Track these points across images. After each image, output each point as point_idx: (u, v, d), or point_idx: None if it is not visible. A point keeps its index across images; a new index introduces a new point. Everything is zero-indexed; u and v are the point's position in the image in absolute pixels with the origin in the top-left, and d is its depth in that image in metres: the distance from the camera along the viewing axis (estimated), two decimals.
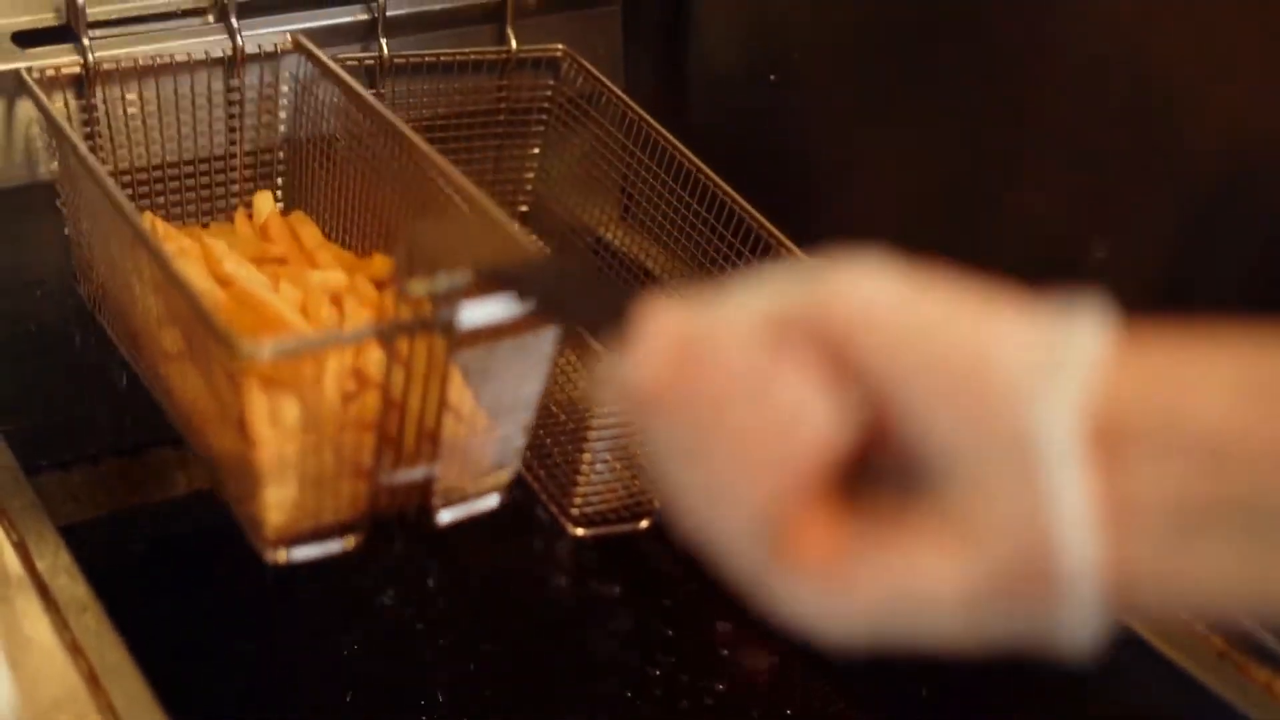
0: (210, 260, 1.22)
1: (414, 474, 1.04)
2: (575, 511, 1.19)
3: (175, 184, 1.36)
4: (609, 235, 1.48)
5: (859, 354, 0.56)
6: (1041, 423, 0.53)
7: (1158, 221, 1.18)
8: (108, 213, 1.15)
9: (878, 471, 0.58)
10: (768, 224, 1.27)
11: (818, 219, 1.35)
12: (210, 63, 1.34)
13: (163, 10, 1.35)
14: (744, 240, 1.29)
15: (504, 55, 1.46)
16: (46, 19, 1.32)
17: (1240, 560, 0.53)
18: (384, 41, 1.40)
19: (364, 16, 1.41)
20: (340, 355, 1.04)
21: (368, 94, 1.27)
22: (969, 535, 0.55)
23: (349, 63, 1.38)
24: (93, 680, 1.04)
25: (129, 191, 1.33)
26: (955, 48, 1.29)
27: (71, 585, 1.12)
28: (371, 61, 1.40)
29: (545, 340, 1.04)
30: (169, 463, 1.51)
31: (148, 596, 1.36)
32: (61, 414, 1.45)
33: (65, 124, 1.21)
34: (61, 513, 1.38)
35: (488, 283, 0.89)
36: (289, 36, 1.35)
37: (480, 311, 0.93)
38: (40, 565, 1.14)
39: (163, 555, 1.47)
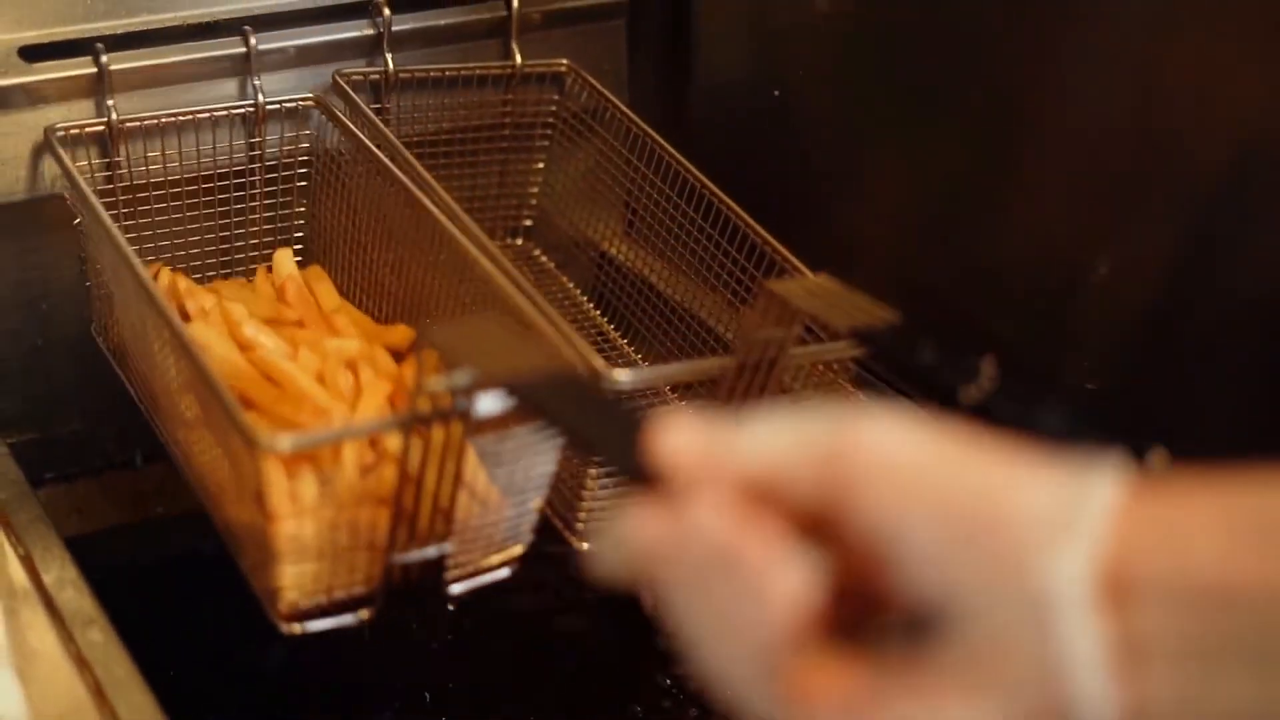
0: (230, 324, 1.24)
1: (428, 552, 1.06)
2: (580, 526, 1.19)
3: (196, 239, 1.38)
4: (613, 249, 1.48)
5: (872, 500, 0.57)
6: (1055, 575, 0.55)
7: (1160, 238, 1.18)
8: (130, 283, 1.17)
9: (890, 616, 0.59)
10: (771, 239, 1.27)
11: (821, 233, 1.36)
12: (232, 119, 1.35)
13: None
14: (747, 255, 1.29)
15: (509, 70, 1.46)
16: (54, 33, 1.32)
17: (1255, 694, 0.55)
18: (389, 56, 1.41)
19: (369, 31, 1.41)
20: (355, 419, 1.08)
21: (389, 161, 1.29)
22: (988, 684, 0.56)
23: (354, 78, 1.38)
24: (99, 693, 1.04)
25: (150, 245, 1.35)
26: (959, 63, 1.30)
27: (78, 598, 1.12)
28: (377, 76, 1.40)
29: (550, 439, 1.06)
30: (173, 476, 1.51)
31: (153, 610, 1.36)
32: (66, 426, 1.46)
33: (89, 191, 1.23)
34: (66, 525, 1.38)
35: (504, 388, 0.92)
36: (311, 95, 1.37)
37: (495, 403, 0.97)
38: (46, 578, 1.14)
39: (167, 569, 1.47)
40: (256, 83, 1.35)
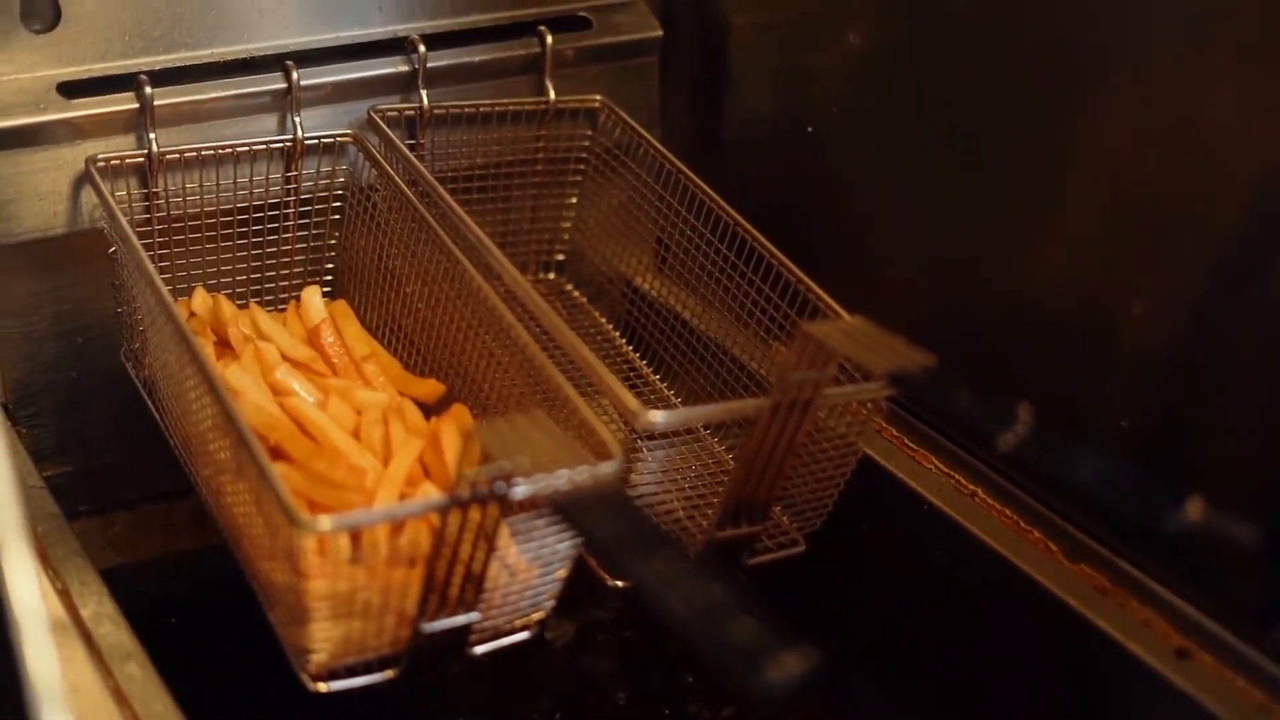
0: (263, 366, 1.26)
1: (456, 620, 1.08)
2: None
3: (229, 269, 1.39)
4: (644, 285, 1.48)
5: None
6: None
7: (1194, 277, 1.18)
8: (167, 329, 1.18)
9: None
10: (803, 275, 1.28)
11: (854, 270, 1.36)
12: (270, 153, 1.37)
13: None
14: (780, 291, 1.29)
15: (542, 106, 1.47)
16: (92, 69, 1.33)
17: None
18: (424, 93, 1.42)
19: (405, 68, 1.42)
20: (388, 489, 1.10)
21: (418, 202, 1.30)
22: None
23: (389, 114, 1.39)
24: None
25: (183, 275, 1.37)
26: (993, 101, 1.30)
27: (115, 632, 1.13)
28: (412, 112, 1.41)
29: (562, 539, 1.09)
30: (203, 510, 1.51)
31: (187, 643, 1.37)
32: (100, 460, 1.46)
33: (126, 226, 1.24)
34: (99, 559, 1.39)
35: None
36: (349, 132, 1.39)
37: (531, 487, 0.98)
38: (84, 612, 1.15)
39: (201, 602, 1.47)
40: (297, 118, 1.36)
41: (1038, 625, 1.23)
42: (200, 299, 1.34)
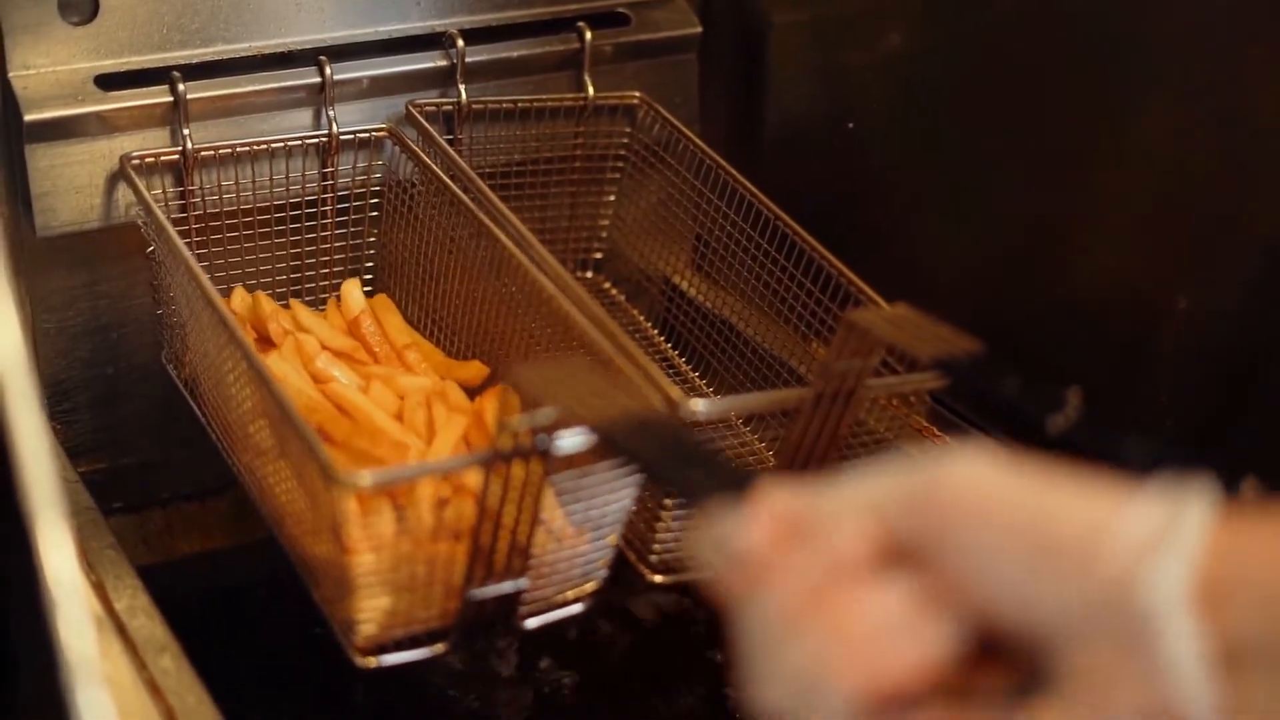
0: (304, 357, 1.25)
1: (504, 588, 1.06)
2: (654, 558, 1.19)
3: (267, 267, 1.38)
4: (683, 282, 1.47)
5: (964, 541, 0.57)
6: (1153, 591, 0.55)
7: (1240, 274, 1.17)
8: (205, 313, 1.17)
9: (981, 658, 0.58)
10: (845, 269, 1.27)
11: (895, 266, 1.35)
12: (306, 148, 1.36)
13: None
14: (821, 286, 1.28)
15: (581, 102, 1.46)
16: (129, 62, 1.33)
17: None
18: (463, 88, 1.41)
19: (443, 63, 1.41)
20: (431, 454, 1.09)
21: (461, 192, 1.29)
22: (1089, 708, 0.56)
23: (427, 109, 1.38)
24: None
25: (221, 273, 1.36)
26: (1036, 98, 1.29)
27: (149, 625, 1.12)
28: (450, 107, 1.40)
29: (628, 475, 1.06)
30: (240, 507, 1.51)
31: (221, 639, 1.36)
32: (135, 457, 1.46)
33: (164, 219, 1.24)
34: (134, 556, 1.38)
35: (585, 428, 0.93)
36: (384, 126, 1.38)
37: (574, 441, 0.97)
38: (118, 605, 1.14)
39: (235, 600, 1.47)
40: (331, 113, 1.36)
41: None
42: (240, 298, 1.33)
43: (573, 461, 1.00)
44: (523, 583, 1.06)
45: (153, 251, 1.29)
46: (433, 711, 1.38)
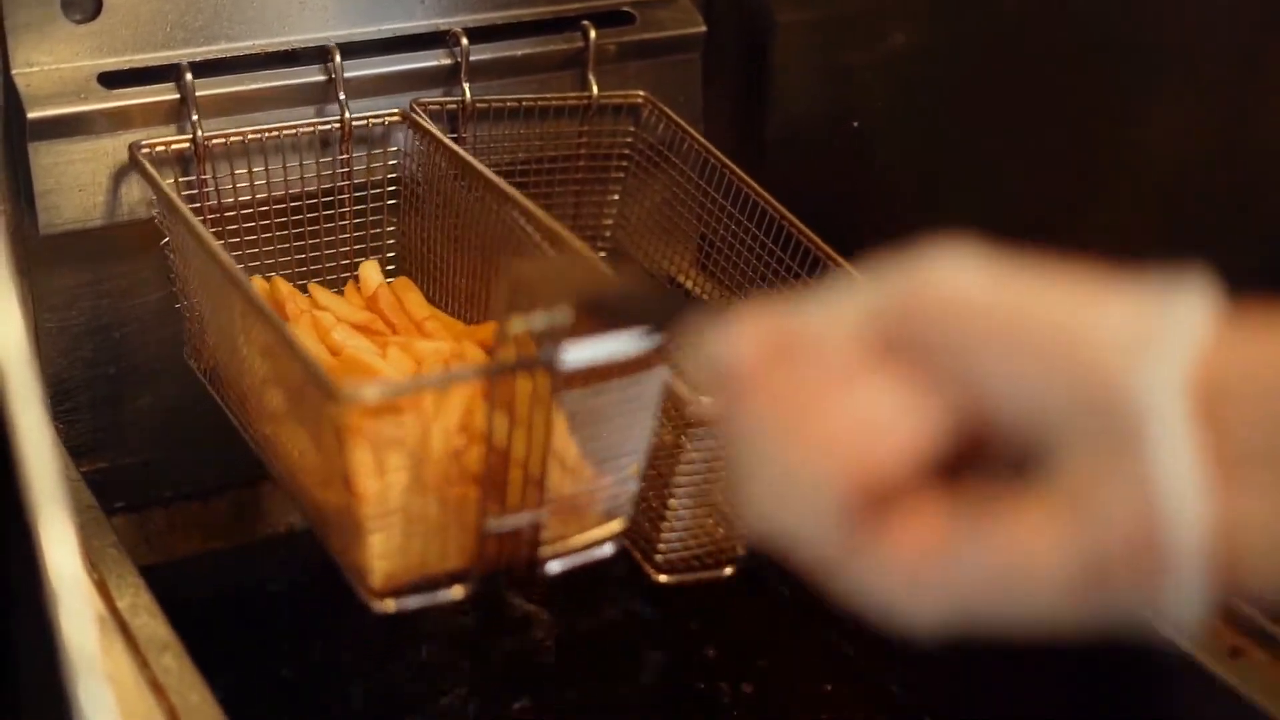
0: (320, 330, 1.23)
1: (519, 521, 1.02)
2: (659, 558, 1.18)
3: (286, 259, 1.37)
4: (688, 282, 1.47)
5: (951, 339, 0.56)
6: (1144, 392, 0.53)
7: (1244, 272, 1.16)
8: (216, 276, 1.16)
9: (973, 459, 0.57)
10: (850, 268, 1.26)
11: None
12: (317, 137, 1.35)
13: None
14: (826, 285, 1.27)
15: (585, 101, 1.46)
16: (133, 59, 1.32)
17: None
18: (467, 86, 1.41)
19: (447, 62, 1.41)
20: (445, 412, 1.03)
21: (484, 167, 1.28)
22: (1074, 509, 0.54)
23: (431, 107, 1.38)
24: (174, 718, 1.03)
25: (239, 266, 1.31)
26: (1040, 94, 1.29)
27: (152, 624, 1.12)
28: (454, 106, 1.40)
29: (651, 384, 1.03)
30: (242, 508, 1.51)
31: (222, 639, 1.36)
32: (136, 456, 1.45)
33: (174, 195, 1.23)
34: (135, 556, 1.38)
35: (592, 312, 0.89)
36: (397, 111, 1.37)
37: (584, 350, 0.93)
38: (120, 604, 1.14)
39: (236, 600, 1.47)
40: (342, 97, 1.35)
41: None
42: (256, 287, 1.29)
43: (583, 379, 0.97)
44: (541, 515, 1.03)
45: (167, 243, 1.27)
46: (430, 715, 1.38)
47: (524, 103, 1.43)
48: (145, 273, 1.36)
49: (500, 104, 1.43)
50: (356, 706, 1.38)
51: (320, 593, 1.46)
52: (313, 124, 1.35)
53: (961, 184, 1.37)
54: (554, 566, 1.07)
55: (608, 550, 1.09)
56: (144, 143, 1.29)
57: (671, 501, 1.16)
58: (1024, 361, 0.55)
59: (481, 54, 1.42)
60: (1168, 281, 0.55)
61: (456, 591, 1.05)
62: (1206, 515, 0.52)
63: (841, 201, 1.46)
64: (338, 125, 1.35)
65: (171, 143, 1.30)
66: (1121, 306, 0.55)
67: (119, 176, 1.31)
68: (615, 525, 1.09)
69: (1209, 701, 1.14)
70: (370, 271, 1.35)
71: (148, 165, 1.26)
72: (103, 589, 1.15)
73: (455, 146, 1.32)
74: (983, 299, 0.56)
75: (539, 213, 1.21)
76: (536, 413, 0.97)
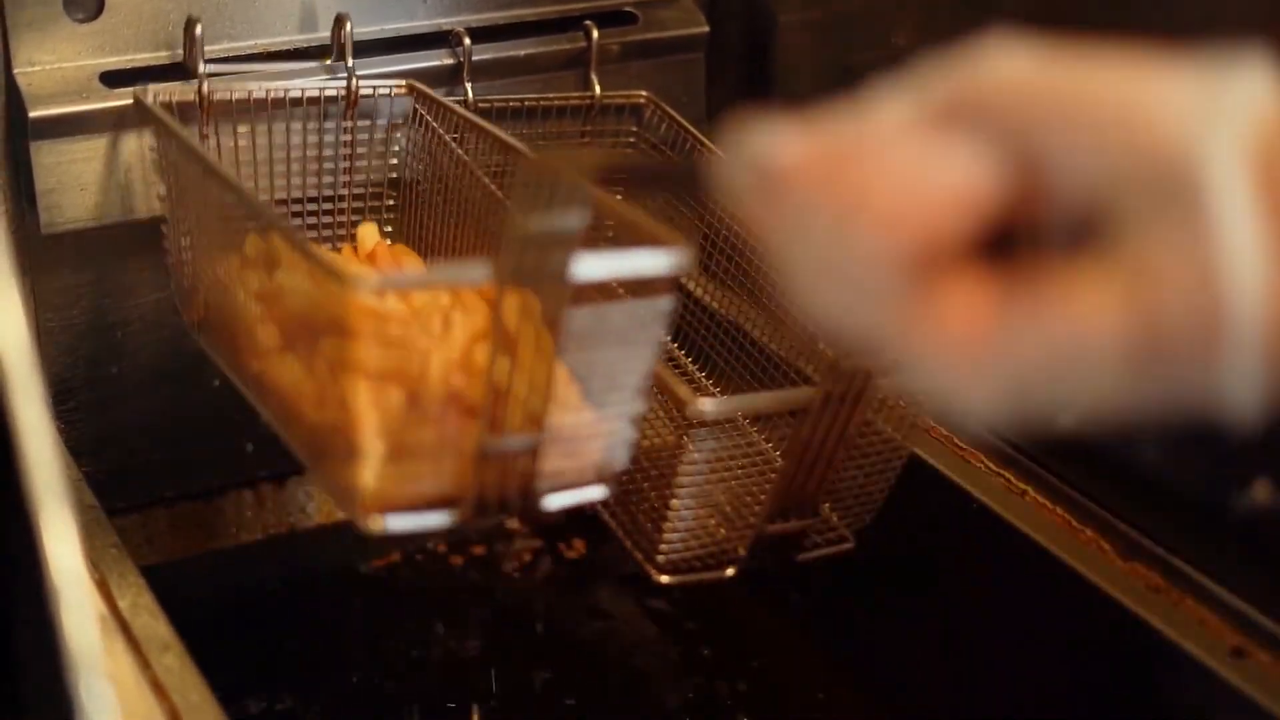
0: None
1: (516, 444, 0.99)
2: (661, 559, 1.18)
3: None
4: (689, 282, 1.47)
5: (1009, 117, 0.55)
6: (1207, 160, 0.52)
7: None
8: (216, 202, 1.14)
9: (1029, 238, 0.55)
10: None
11: None
12: (324, 101, 1.34)
13: (278, 49, 1.36)
14: None
15: (588, 101, 1.46)
16: (134, 59, 1.32)
17: None
18: (469, 86, 1.40)
19: (450, 61, 1.41)
20: (447, 345, 1.01)
21: (503, 132, 1.27)
22: (1133, 279, 0.53)
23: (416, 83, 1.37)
24: (175, 718, 1.03)
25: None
26: None
27: (153, 624, 1.12)
28: (456, 106, 1.40)
29: (657, 311, 1.00)
30: (243, 508, 1.51)
31: (224, 639, 1.36)
32: (138, 457, 1.45)
33: (177, 127, 1.20)
34: (137, 556, 1.38)
35: (613, 181, 0.90)
36: (404, 82, 1.36)
37: (597, 263, 0.91)
38: (122, 604, 1.14)
39: (238, 600, 1.47)
40: (350, 63, 1.34)
41: (1090, 624, 1.22)
42: (253, 243, 1.21)
43: (589, 294, 0.94)
44: (538, 439, 0.99)
45: (163, 194, 1.25)
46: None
47: (526, 103, 1.43)
48: (147, 272, 1.36)
49: (503, 104, 1.42)
50: (357, 707, 1.38)
51: (321, 593, 1.47)
52: (319, 86, 1.33)
53: None
54: (549, 501, 1.04)
55: (601, 492, 1.06)
56: (150, 89, 1.27)
57: (674, 502, 1.15)
58: (1084, 134, 0.54)
59: (484, 54, 1.42)
60: (1226, 59, 0.54)
61: (449, 515, 1.01)
62: (1267, 284, 0.51)
63: None
64: (344, 90, 1.34)
65: (175, 92, 1.28)
66: (1182, 81, 0.54)
67: (121, 176, 1.31)
68: (613, 466, 1.06)
69: (1212, 702, 1.14)
70: (369, 232, 1.33)
71: (151, 106, 1.24)
72: (104, 589, 1.15)
73: (462, 111, 1.31)
74: (1041, 79, 0.55)
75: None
76: (542, 326, 0.94)
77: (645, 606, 1.48)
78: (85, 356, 1.39)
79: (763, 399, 1.21)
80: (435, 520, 1.01)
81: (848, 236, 0.55)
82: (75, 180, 1.30)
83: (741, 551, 1.20)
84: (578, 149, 0.94)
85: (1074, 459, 1.27)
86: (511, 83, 1.45)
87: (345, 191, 1.37)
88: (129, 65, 1.32)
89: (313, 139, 1.34)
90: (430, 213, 1.35)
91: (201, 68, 1.29)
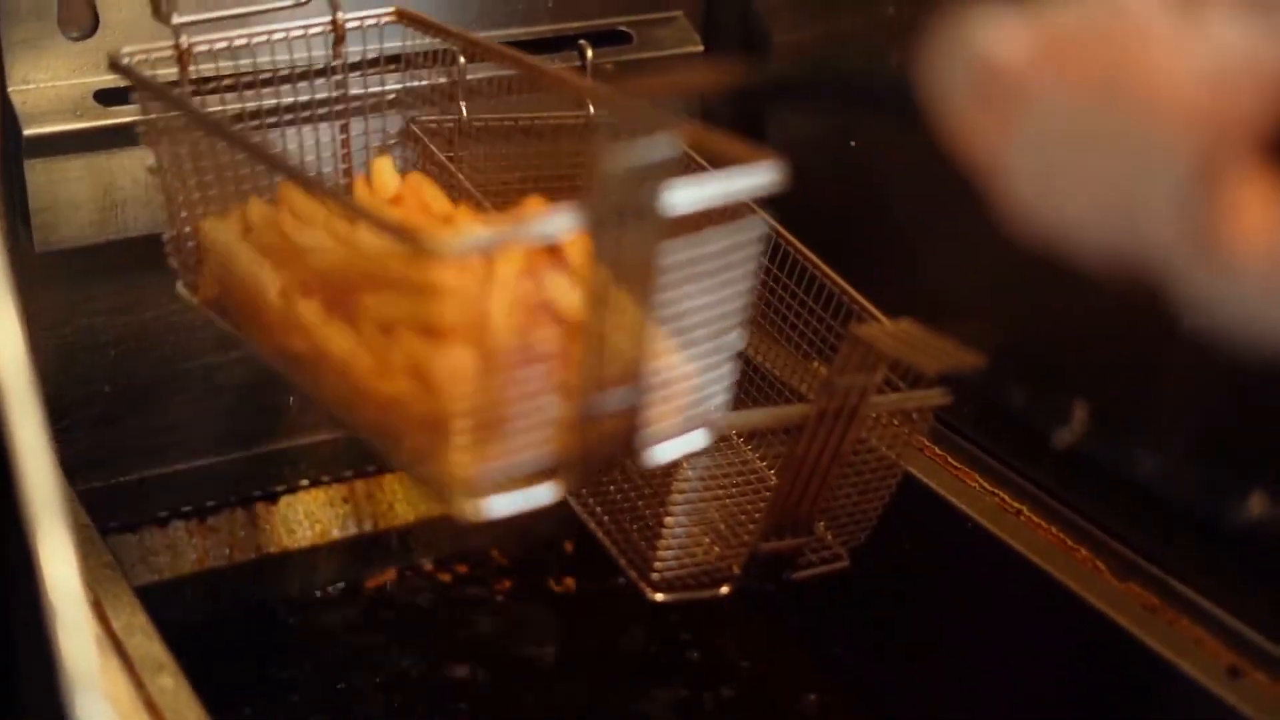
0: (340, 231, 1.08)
1: (619, 400, 0.90)
2: (655, 576, 1.18)
3: (270, 179, 1.19)
4: None
5: None
6: None
7: None
8: (232, 170, 1.09)
9: None
10: (848, 287, 1.26)
11: (900, 284, 1.35)
12: (309, 39, 1.25)
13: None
14: (824, 304, 1.27)
15: (581, 120, 1.45)
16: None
17: None
18: (463, 105, 1.40)
19: (442, 80, 1.41)
20: (500, 284, 0.91)
21: (505, 48, 1.24)
22: None
23: (429, 125, 1.37)
24: None
25: (231, 187, 1.17)
26: None
27: (147, 644, 1.12)
28: (450, 124, 1.40)
29: (750, 243, 0.94)
30: (237, 527, 1.50)
31: (218, 659, 1.36)
32: (131, 476, 1.45)
33: (162, 86, 1.14)
34: (131, 575, 1.38)
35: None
36: (393, 9, 1.29)
37: (691, 191, 0.85)
38: (116, 624, 1.13)
39: (231, 619, 1.46)
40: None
41: (1085, 643, 1.21)
42: (256, 208, 1.13)
43: (683, 225, 0.86)
44: (641, 392, 0.90)
45: (152, 165, 1.15)
46: None
47: (520, 121, 1.43)
48: (140, 290, 1.36)
49: (497, 122, 1.42)
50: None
51: (317, 612, 1.47)
52: (304, 26, 1.24)
53: (959, 201, 1.37)
54: (656, 454, 0.95)
55: (704, 439, 0.98)
56: (124, 50, 1.16)
57: (668, 519, 1.15)
58: None
59: (478, 72, 1.42)
60: None
61: (552, 488, 0.92)
62: None
63: (841, 220, 1.46)
64: (330, 25, 1.25)
65: (154, 50, 1.18)
66: None
67: (114, 194, 1.31)
68: (713, 410, 0.98)
69: None
70: (385, 166, 1.21)
71: (133, 66, 1.14)
72: (98, 609, 1.15)
73: (454, 30, 1.28)
74: None
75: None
76: (637, 267, 0.85)
77: (638, 623, 1.48)
78: (78, 375, 1.39)
79: (757, 416, 1.21)
80: (541, 496, 0.92)
81: (1120, 131, 0.48)
82: (69, 199, 1.30)
83: (736, 569, 1.20)
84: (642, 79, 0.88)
85: (1069, 478, 1.27)
86: (505, 101, 1.44)
87: (344, 137, 1.30)
88: (124, 83, 1.32)
89: (303, 84, 1.26)
90: (441, 142, 1.31)
91: (175, 19, 1.19)
